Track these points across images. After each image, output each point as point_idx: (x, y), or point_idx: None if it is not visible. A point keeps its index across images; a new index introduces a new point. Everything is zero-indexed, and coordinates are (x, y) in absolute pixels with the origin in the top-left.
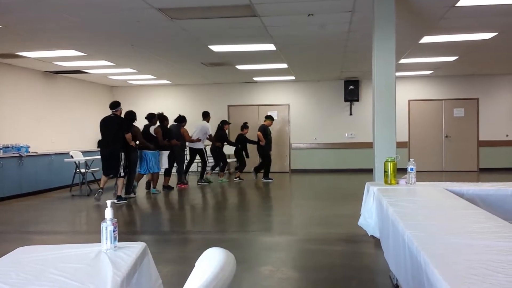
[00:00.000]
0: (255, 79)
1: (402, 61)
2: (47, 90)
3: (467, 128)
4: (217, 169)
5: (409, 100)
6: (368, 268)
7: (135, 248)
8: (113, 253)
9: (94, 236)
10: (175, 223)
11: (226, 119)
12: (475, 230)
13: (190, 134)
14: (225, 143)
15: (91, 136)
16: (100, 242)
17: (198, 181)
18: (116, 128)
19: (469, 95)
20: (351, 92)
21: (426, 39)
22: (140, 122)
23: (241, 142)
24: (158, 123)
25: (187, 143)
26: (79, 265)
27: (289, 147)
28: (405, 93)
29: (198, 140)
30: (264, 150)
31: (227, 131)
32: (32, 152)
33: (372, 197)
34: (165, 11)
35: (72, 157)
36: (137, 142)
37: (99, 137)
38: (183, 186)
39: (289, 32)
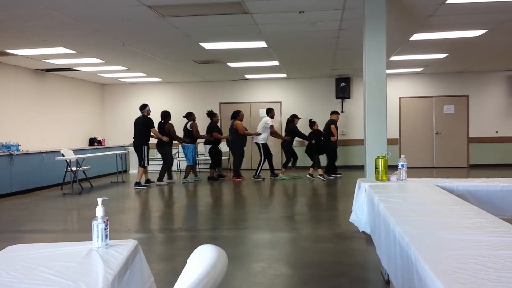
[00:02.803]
0: (247, 76)
1: (393, 58)
2: (37, 88)
3: (457, 124)
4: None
5: (400, 97)
6: (359, 264)
7: (127, 245)
8: (105, 251)
9: (85, 234)
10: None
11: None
12: (465, 225)
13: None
14: (297, 138)
15: (82, 134)
16: (91, 240)
17: (253, 176)
18: (141, 126)
19: (459, 92)
20: (343, 89)
21: (416, 37)
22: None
23: (315, 137)
24: (195, 120)
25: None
26: (70, 264)
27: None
28: (396, 90)
29: (257, 133)
30: (334, 146)
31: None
32: (22, 151)
33: (363, 193)
34: (155, 8)
35: (63, 155)
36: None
37: (90, 135)
38: (237, 179)
39: (280, 29)
